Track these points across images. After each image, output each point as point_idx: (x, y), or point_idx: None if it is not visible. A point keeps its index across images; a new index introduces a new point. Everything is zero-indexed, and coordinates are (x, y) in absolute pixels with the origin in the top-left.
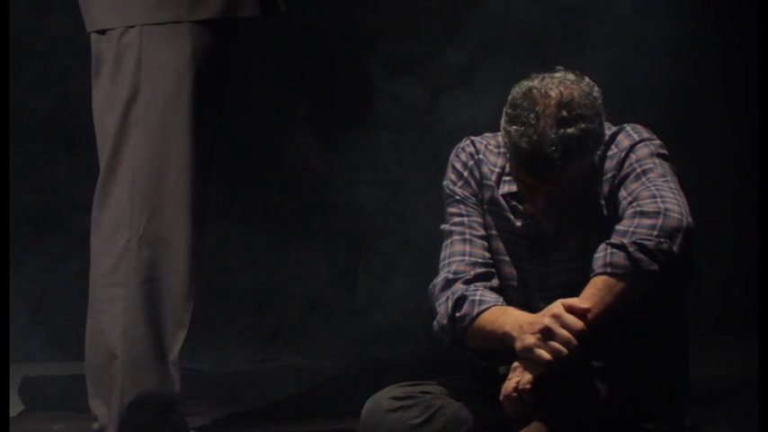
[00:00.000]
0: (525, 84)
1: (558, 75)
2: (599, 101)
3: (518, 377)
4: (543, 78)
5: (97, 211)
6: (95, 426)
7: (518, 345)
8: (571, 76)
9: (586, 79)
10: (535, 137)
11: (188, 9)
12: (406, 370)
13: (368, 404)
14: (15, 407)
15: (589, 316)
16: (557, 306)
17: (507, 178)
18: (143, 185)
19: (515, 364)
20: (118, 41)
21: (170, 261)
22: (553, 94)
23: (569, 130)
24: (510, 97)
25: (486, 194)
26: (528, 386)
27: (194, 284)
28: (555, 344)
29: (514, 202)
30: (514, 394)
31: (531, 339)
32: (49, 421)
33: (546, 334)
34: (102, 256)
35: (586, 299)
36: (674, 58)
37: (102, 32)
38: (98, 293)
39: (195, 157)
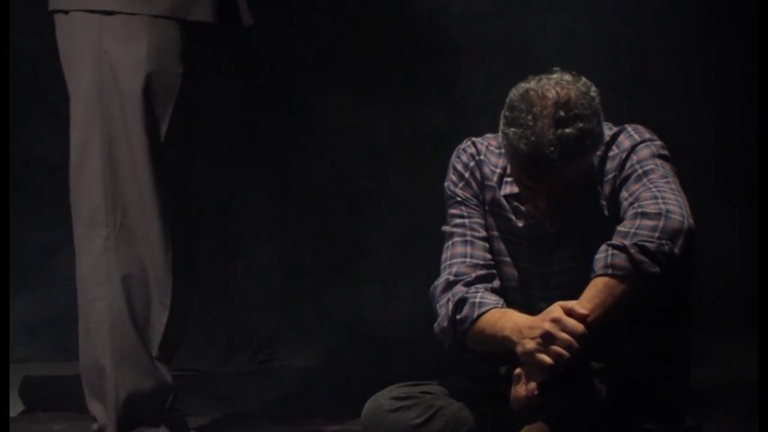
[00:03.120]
0: (522, 86)
1: (554, 75)
2: (596, 100)
3: (524, 384)
4: (540, 79)
5: (74, 211)
6: (95, 426)
7: (519, 349)
8: (568, 77)
9: (583, 79)
10: (533, 138)
11: (143, 3)
12: (407, 370)
13: (368, 404)
14: (15, 407)
15: (589, 318)
16: (556, 310)
17: (509, 179)
18: (114, 183)
19: (518, 370)
20: (80, 39)
21: (147, 255)
22: (550, 95)
23: (567, 131)
24: (507, 99)
25: (488, 195)
26: (536, 392)
27: (170, 277)
28: (556, 348)
29: (516, 203)
30: (525, 401)
31: (531, 344)
32: (49, 421)
33: (547, 338)
34: (83, 257)
35: (587, 300)
36: (673, 57)
37: (66, 13)
38: (84, 294)
39: (161, 152)
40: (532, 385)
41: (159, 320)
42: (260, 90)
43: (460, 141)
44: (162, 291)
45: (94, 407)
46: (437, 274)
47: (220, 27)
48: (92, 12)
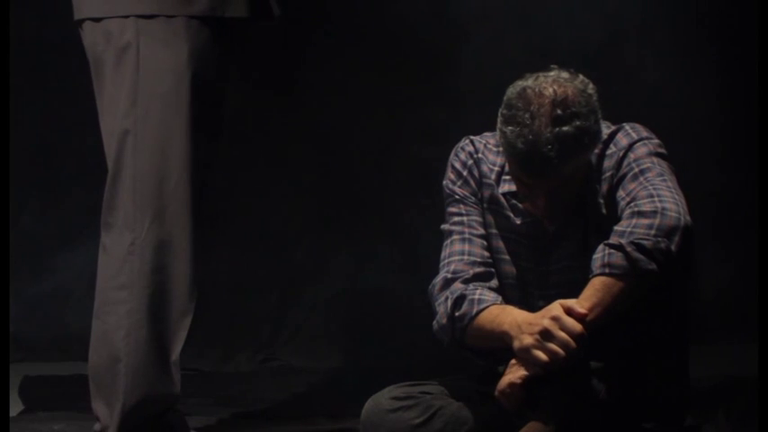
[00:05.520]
0: (519, 84)
1: (552, 73)
2: (594, 98)
3: (511, 374)
4: (537, 77)
5: (105, 215)
6: (97, 426)
7: (516, 344)
8: (565, 75)
9: (581, 77)
10: (531, 136)
11: (180, 4)
12: (406, 370)
13: (368, 404)
14: (15, 407)
15: (588, 317)
16: (556, 308)
17: (507, 177)
18: (144, 188)
19: (512, 361)
20: (116, 44)
21: (173, 263)
22: (547, 92)
23: (564, 128)
24: (505, 97)
25: (486, 193)
26: (518, 381)
27: (196, 284)
28: (553, 346)
29: (514, 201)
30: (507, 390)
31: (529, 340)
32: (49, 421)
33: (545, 336)
34: (107, 259)
35: (585, 300)
36: (674, 56)
37: (97, 21)
38: (104, 295)
39: (196, 158)
40: (520, 373)
41: (182, 326)
42: (256, 84)
43: (460, 136)
44: (186, 298)
45: (99, 407)
46: (437, 273)
47: (254, 21)
48: (126, 17)
